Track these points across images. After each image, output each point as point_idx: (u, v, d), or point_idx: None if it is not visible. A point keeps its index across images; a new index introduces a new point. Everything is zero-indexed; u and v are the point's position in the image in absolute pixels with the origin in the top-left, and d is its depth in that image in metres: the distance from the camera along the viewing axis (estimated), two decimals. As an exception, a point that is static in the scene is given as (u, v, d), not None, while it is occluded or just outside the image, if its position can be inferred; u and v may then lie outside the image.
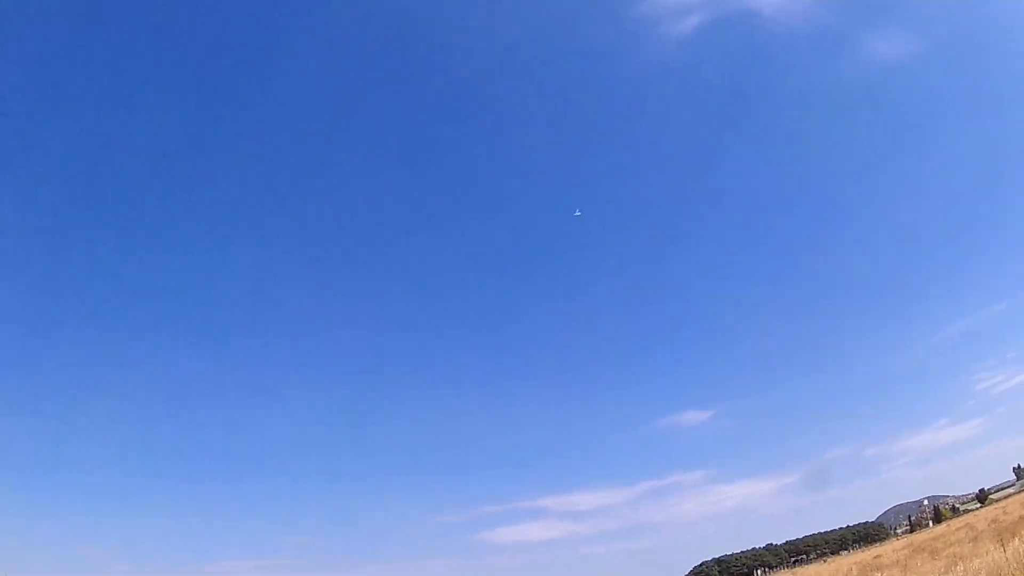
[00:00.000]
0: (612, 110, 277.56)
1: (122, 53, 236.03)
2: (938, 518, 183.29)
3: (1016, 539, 34.63)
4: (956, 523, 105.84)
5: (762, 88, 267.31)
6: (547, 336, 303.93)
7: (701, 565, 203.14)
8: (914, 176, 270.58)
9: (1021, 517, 57.36)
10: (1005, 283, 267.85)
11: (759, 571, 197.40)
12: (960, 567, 31.19)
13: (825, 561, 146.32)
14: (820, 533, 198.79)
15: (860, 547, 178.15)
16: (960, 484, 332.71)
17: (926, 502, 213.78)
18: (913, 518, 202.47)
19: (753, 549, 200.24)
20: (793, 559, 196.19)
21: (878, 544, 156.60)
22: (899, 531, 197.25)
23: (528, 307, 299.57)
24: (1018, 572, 26.41)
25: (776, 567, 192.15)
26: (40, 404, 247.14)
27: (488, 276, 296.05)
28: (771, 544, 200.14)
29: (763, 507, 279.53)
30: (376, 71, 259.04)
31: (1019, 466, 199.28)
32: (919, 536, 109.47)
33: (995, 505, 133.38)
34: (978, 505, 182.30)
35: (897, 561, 58.78)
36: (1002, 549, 33.45)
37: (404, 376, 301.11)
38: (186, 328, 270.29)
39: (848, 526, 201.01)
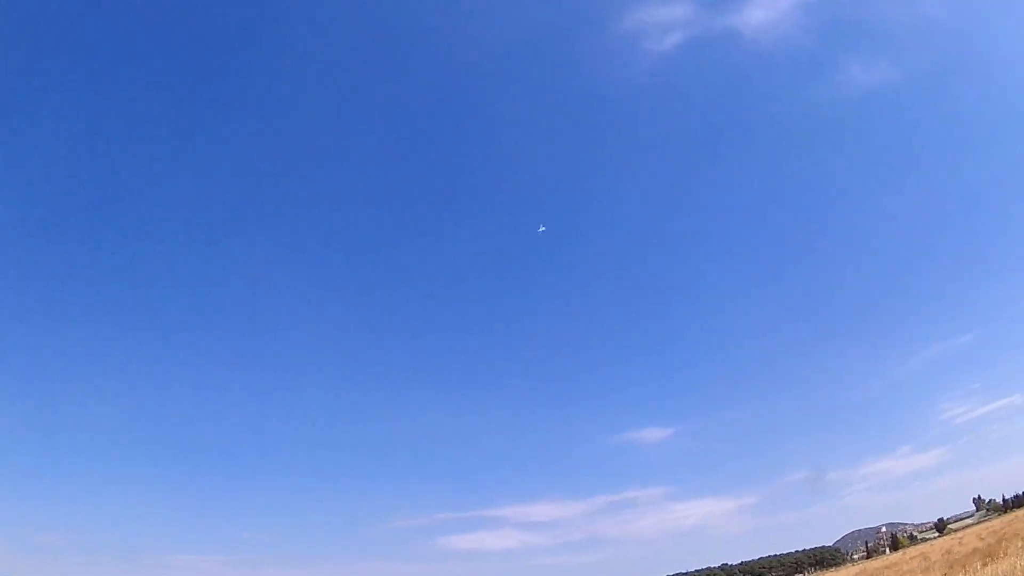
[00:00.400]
0: (593, 122, 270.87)
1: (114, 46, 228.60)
2: (895, 546, 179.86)
3: (965, 572, 31.56)
4: (912, 552, 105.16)
5: (740, 107, 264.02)
6: (512, 345, 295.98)
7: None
8: (886, 204, 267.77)
9: (975, 549, 54.62)
10: (972, 314, 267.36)
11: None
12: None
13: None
14: (776, 555, 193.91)
15: (815, 571, 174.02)
16: (920, 512, 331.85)
17: (884, 529, 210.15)
18: (870, 544, 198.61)
19: (708, 569, 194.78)
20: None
21: (833, 569, 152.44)
22: (856, 557, 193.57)
23: (495, 314, 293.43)
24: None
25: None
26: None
27: (455, 280, 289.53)
28: (726, 564, 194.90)
29: (721, 526, 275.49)
30: (371, 75, 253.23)
31: (979, 497, 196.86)
32: (873, 563, 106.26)
33: (952, 535, 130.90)
34: (936, 534, 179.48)
35: None
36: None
37: (367, 378, 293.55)
38: (152, 319, 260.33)
39: (804, 549, 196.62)
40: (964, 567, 43.91)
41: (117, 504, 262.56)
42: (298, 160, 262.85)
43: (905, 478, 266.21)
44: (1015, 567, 27.39)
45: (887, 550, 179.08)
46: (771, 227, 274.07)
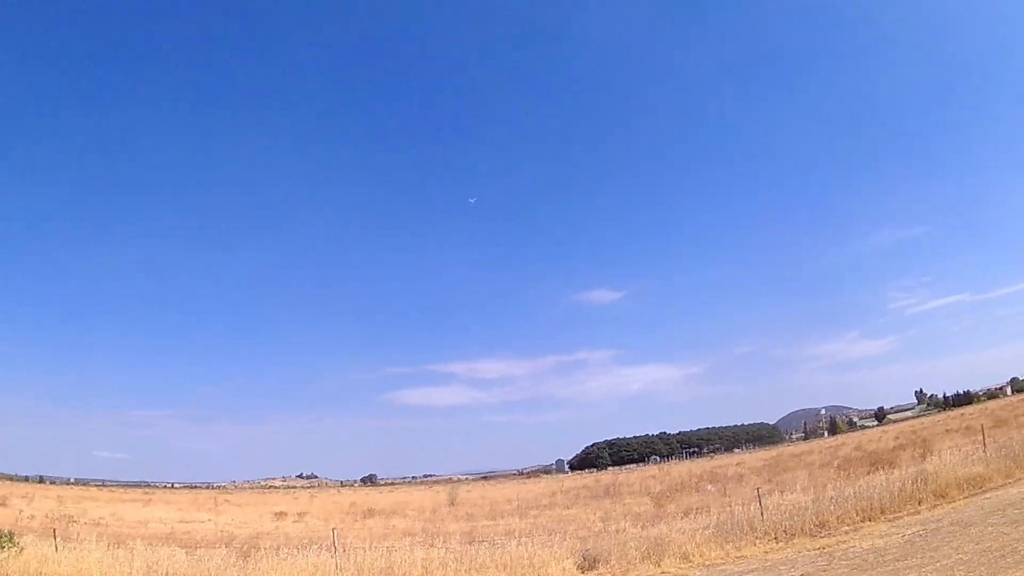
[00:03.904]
0: None
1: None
2: (834, 430, 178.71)
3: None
4: (831, 441, 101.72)
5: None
6: (464, 200, 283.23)
7: (592, 446, 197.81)
8: (851, 80, 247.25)
9: (893, 448, 49.18)
10: (928, 206, 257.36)
11: (655, 459, 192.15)
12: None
13: (712, 458, 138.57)
14: (715, 428, 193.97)
15: (752, 447, 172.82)
16: (864, 399, 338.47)
17: (823, 411, 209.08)
18: (809, 426, 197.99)
19: (647, 436, 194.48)
20: (685, 451, 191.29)
21: (769, 447, 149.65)
22: (794, 437, 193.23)
23: (449, 168, 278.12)
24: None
25: (667, 456, 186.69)
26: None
27: (410, 131, 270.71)
28: (664, 433, 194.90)
29: (668, 393, 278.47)
30: None
31: (921, 391, 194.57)
32: (791, 448, 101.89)
33: (885, 427, 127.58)
34: (875, 423, 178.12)
35: (740, 475, 53.88)
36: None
37: (319, 232, 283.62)
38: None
39: (743, 424, 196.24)
40: (844, 469, 37.95)
41: (72, 359, 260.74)
42: None
43: (852, 362, 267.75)
44: (890, 480, 20.52)
45: (825, 433, 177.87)
46: (728, 95, 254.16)
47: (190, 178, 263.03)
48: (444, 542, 19.13)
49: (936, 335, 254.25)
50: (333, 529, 20.22)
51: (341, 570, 16.45)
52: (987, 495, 18.50)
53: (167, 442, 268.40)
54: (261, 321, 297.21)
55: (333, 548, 17.24)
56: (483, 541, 19.42)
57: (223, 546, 20.06)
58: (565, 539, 19.37)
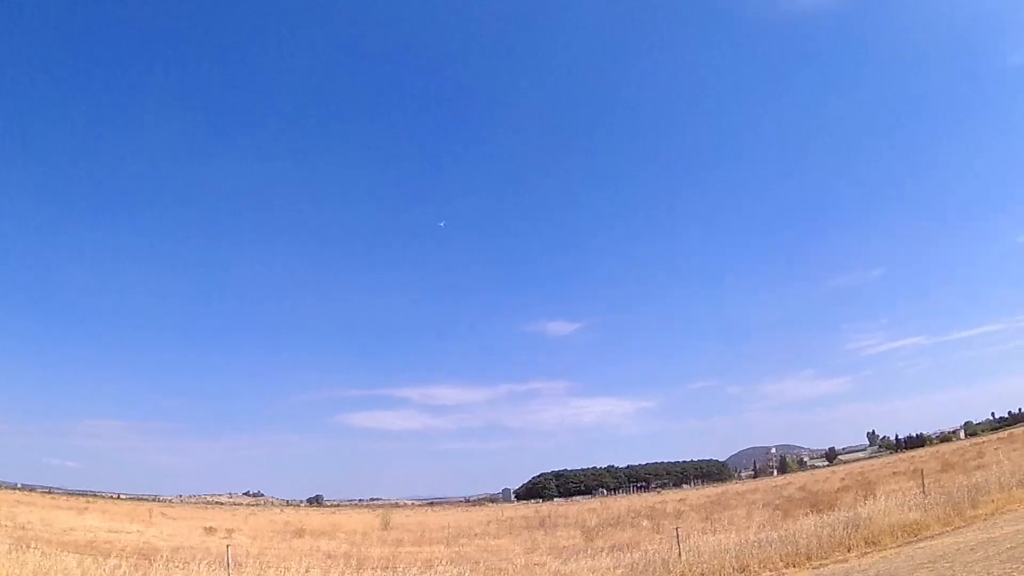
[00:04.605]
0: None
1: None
2: (784, 469, 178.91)
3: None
4: (779, 480, 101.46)
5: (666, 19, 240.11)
6: (424, 227, 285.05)
7: (540, 476, 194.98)
8: (814, 122, 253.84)
9: (838, 489, 47.72)
10: (885, 251, 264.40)
11: (602, 491, 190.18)
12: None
13: (659, 493, 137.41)
14: (664, 463, 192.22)
15: (701, 484, 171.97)
16: (816, 438, 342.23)
17: (774, 450, 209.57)
18: (759, 464, 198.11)
19: (594, 468, 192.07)
20: (633, 485, 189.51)
21: (717, 484, 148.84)
22: (744, 475, 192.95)
23: (410, 195, 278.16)
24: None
25: (615, 490, 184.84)
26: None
27: (372, 159, 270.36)
28: (612, 466, 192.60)
29: (620, 426, 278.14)
30: None
31: (873, 432, 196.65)
32: (738, 487, 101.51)
33: (835, 467, 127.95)
34: (826, 462, 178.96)
35: (679, 511, 51.66)
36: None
37: (278, 251, 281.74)
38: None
39: (694, 461, 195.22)
40: (786, 512, 36.29)
41: (24, 364, 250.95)
42: None
43: (806, 402, 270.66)
44: (821, 524, 19.11)
45: (775, 472, 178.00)
46: (687, 135, 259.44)
47: (153, 193, 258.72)
48: (347, 568, 19.04)
49: (891, 377, 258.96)
50: (228, 546, 19.16)
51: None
52: (921, 544, 16.86)
53: (117, 453, 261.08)
54: (215, 337, 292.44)
55: (227, 565, 16.87)
56: (390, 568, 19.17)
57: (136, 557, 19.06)
58: (477, 571, 19.22)
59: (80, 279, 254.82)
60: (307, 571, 16.94)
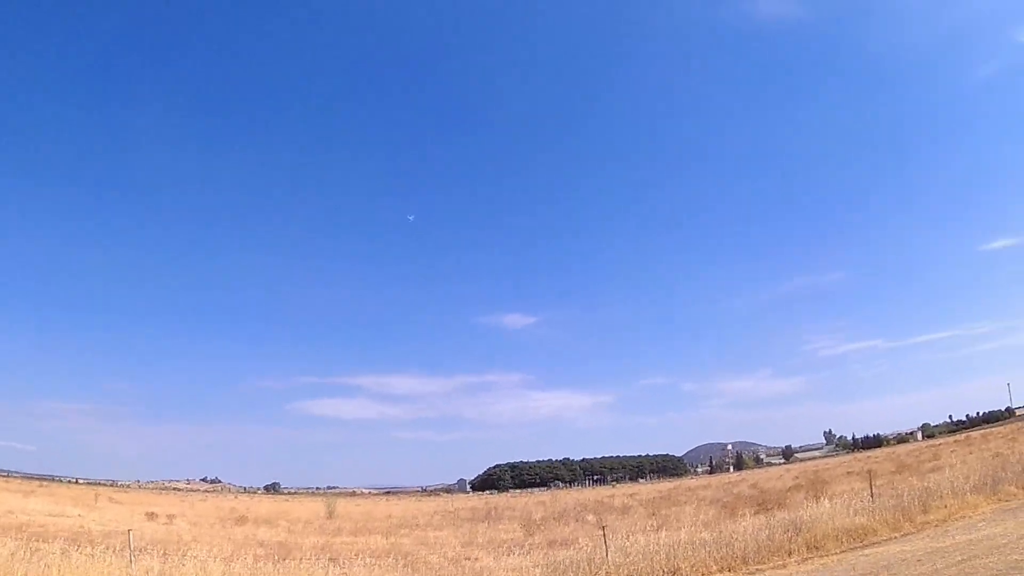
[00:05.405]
0: None
1: None
2: (740, 465, 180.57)
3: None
4: (735, 477, 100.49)
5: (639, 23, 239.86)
6: (382, 215, 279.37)
7: (495, 468, 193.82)
8: (776, 129, 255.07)
9: (789, 488, 46.55)
10: (845, 254, 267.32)
11: (557, 484, 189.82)
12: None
13: (614, 486, 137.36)
14: (620, 457, 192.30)
15: (656, 478, 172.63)
16: (773, 436, 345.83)
17: (730, 447, 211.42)
18: (716, 460, 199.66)
19: (550, 460, 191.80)
20: (589, 477, 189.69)
21: (672, 479, 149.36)
22: (699, 470, 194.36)
23: (372, 184, 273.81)
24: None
25: (571, 483, 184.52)
26: None
27: (335, 143, 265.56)
28: (568, 459, 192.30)
29: (576, 420, 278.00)
30: None
31: (830, 431, 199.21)
32: (692, 481, 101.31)
33: (790, 465, 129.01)
34: (782, 460, 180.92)
35: (627, 507, 51.56)
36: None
37: (236, 232, 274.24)
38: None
39: (650, 455, 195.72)
40: (734, 510, 35.00)
41: None
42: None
43: (763, 400, 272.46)
44: (760, 525, 18.31)
45: (731, 468, 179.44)
46: (654, 133, 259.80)
47: (114, 177, 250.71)
48: (268, 556, 18.87)
49: (849, 378, 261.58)
50: (129, 531, 17.67)
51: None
52: (866, 551, 15.49)
53: (75, 436, 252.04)
54: (173, 322, 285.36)
55: (129, 551, 16.06)
56: (314, 559, 18.31)
57: (61, 541, 18.31)
58: (397, 565, 19.05)
59: (43, 260, 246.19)
60: (216, 557, 16.39)
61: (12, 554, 14.81)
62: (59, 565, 14.03)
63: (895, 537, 17.02)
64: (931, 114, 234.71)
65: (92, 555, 15.28)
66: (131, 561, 15.55)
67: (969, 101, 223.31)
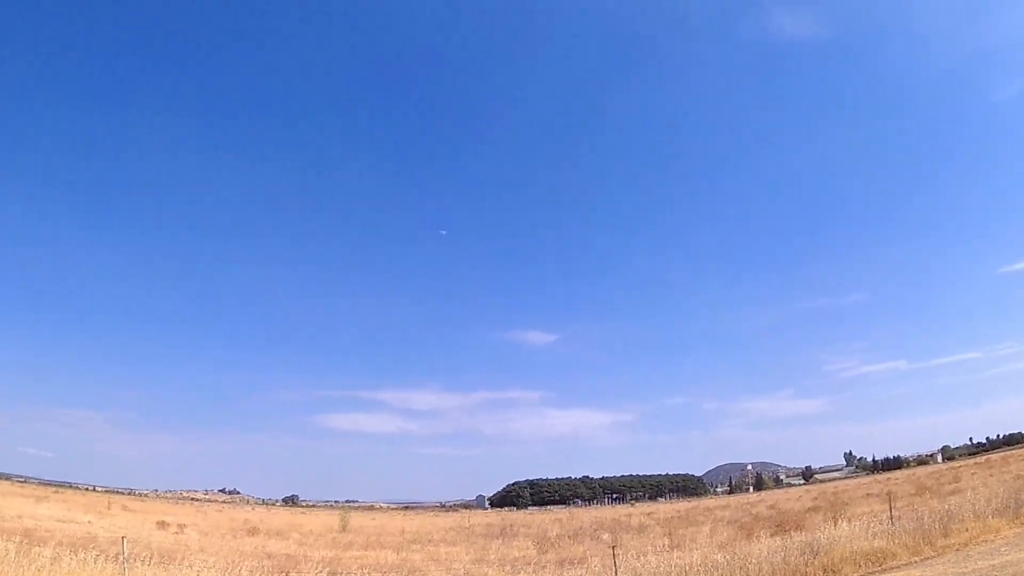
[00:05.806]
0: None
1: None
2: (760, 485, 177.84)
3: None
4: (753, 497, 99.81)
5: (658, 37, 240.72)
6: (406, 232, 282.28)
7: (514, 484, 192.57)
8: (802, 151, 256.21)
9: (808, 509, 45.58)
10: (866, 275, 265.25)
11: (576, 502, 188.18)
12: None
13: (633, 505, 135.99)
14: (640, 476, 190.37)
15: (675, 497, 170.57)
16: (793, 457, 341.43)
17: (750, 467, 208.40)
18: (735, 480, 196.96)
19: (569, 478, 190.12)
20: (608, 496, 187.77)
21: (691, 499, 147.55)
22: (719, 490, 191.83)
23: (393, 202, 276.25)
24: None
25: (590, 500, 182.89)
26: None
27: (356, 160, 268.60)
28: (587, 477, 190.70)
29: (595, 438, 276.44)
30: None
31: (850, 452, 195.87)
32: (710, 502, 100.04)
33: (810, 486, 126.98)
34: (802, 481, 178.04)
35: (643, 526, 50.69)
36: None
37: (264, 248, 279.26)
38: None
39: (669, 474, 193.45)
40: (750, 532, 34.23)
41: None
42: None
43: (784, 420, 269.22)
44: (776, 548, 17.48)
45: (751, 488, 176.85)
46: (670, 150, 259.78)
47: (137, 188, 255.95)
48: (273, 568, 18.82)
49: (869, 399, 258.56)
50: (123, 538, 17.81)
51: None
52: (885, 575, 15.09)
53: (92, 444, 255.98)
54: (195, 333, 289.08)
55: (123, 557, 16.01)
56: (310, 573, 18.68)
57: (60, 546, 18.65)
58: None
59: (68, 271, 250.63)
60: (212, 567, 16.59)
61: (2, 558, 14.78)
62: (49, 569, 14.11)
63: (915, 561, 16.55)
64: (952, 135, 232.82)
65: (84, 560, 15.14)
66: (124, 568, 15.51)
67: (990, 122, 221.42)
